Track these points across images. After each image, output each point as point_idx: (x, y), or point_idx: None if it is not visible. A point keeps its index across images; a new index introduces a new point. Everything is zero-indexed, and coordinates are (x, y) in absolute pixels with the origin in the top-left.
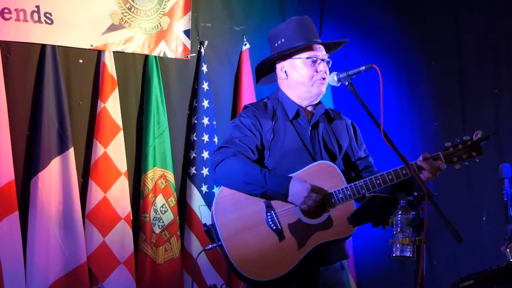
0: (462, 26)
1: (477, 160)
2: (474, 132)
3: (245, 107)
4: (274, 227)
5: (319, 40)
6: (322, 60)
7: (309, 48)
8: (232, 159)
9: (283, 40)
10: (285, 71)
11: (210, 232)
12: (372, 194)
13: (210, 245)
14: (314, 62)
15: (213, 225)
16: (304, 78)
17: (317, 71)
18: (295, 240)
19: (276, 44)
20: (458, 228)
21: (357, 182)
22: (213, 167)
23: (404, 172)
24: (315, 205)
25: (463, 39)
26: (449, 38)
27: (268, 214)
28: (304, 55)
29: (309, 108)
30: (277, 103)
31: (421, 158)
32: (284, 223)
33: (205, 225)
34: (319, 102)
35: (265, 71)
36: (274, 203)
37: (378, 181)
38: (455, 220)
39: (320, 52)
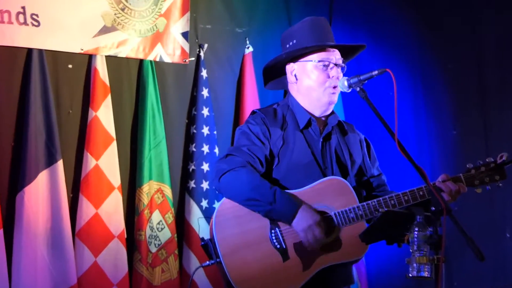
0: (482, 27)
1: (500, 185)
2: (496, 146)
3: (253, 112)
4: (278, 246)
5: (333, 43)
6: (336, 65)
7: (321, 50)
8: (239, 171)
9: (294, 41)
10: (295, 75)
11: (207, 247)
12: (386, 209)
13: (208, 262)
14: (326, 66)
15: (211, 239)
16: (314, 84)
17: (329, 77)
18: (300, 261)
19: (287, 46)
20: (480, 245)
21: (369, 202)
22: (218, 176)
23: (421, 193)
24: (313, 244)
25: (483, 41)
26: (468, 39)
27: (273, 231)
28: (316, 57)
29: (322, 118)
30: (287, 110)
31: (440, 179)
32: (289, 241)
33: (202, 239)
34: (332, 112)
35: (274, 74)
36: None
37: (392, 202)
38: (477, 237)
39: (334, 56)
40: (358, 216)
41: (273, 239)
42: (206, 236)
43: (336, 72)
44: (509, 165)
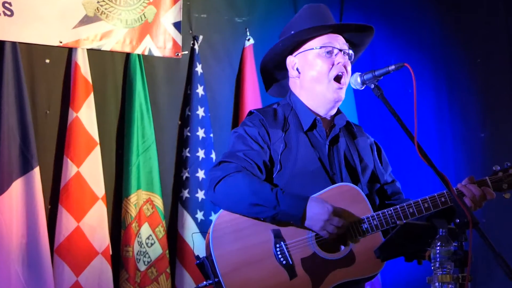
0: None
1: None
2: None
3: (250, 112)
4: (284, 262)
5: (333, 22)
6: (340, 50)
7: (322, 35)
8: (235, 176)
9: (292, 32)
10: (297, 68)
11: (204, 266)
12: (404, 221)
13: (205, 282)
14: (330, 53)
15: (208, 257)
16: (319, 74)
17: (333, 64)
18: (309, 278)
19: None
20: (510, 262)
21: (385, 210)
22: (212, 185)
23: (443, 199)
24: (337, 232)
25: None
26: (499, 32)
27: (277, 245)
28: (317, 43)
29: (328, 118)
30: (289, 111)
31: (463, 182)
32: (296, 257)
33: (197, 257)
34: (339, 111)
35: (275, 75)
36: (284, 232)
37: (411, 210)
38: (508, 253)
39: (337, 41)
40: (372, 227)
41: (278, 255)
42: (202, 254)
43: (342, 58)
44: None
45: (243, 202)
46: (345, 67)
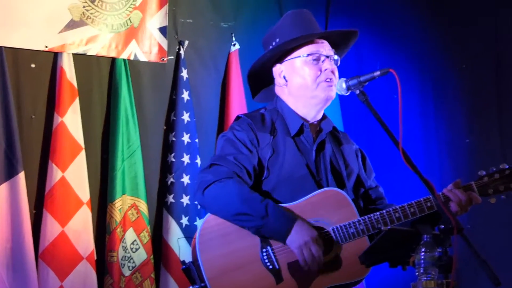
0: (503, 22)
1: None
2: None
3: (238, 117)
4: (270, 266)
5: (320, 31)
6: (327, 57)
7: (309, 43)
8: (226, 182)
9: (277, 40)
10: (284, 76)
11: (190, 271)
12: (389, 227)
13: (191, 287)
14: (316, 60)
15: (194, 262)
16: (306, 81)
17: (321, 71)
18: (295, 283)
19: (270, 47)
20: (495, 269)
21: (371, 215)
22: (201, 188)
23: (429, 204)
24: (310, 261)
25: (504, 38)
26: (486, 36)
27: (264, 250)
28: (304, 51)
29: (315, 123)
30: (276, 115)
31: (449, 187)
32: (282, 261)
33: (183, 262)
34: (325, 117)
35: (261, 81)
36: None
37: (397, 215)
38: (492, 259)
39: (324, 47)
40: (359, 231)
41: (264, 259)
42: (188, 259)
43: (329, 64)
44: None
45: (231, 209)
46: (332, 72)
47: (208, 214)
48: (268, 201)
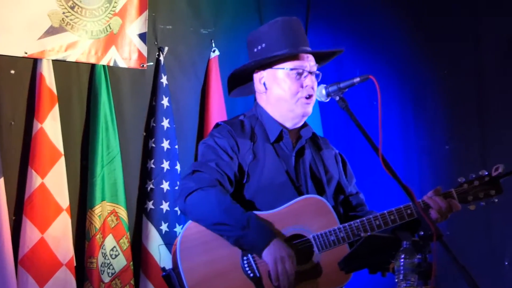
0: (483, 28)
1: (496, 200)
2: (495, 164)
3: (217, 125)
4: (251, 274)
5: (309, 49)
6: (310, 73)
7: (294, 57)
8: (209, 191)
9: (263, 45)
10: (264, 83)
11: (170, 278)
12: (369, 233)
13: None
14: (299, 74)
15: (175, 269)
16: (286, 94)
17: (302, 86)
18: None
19: (255, 50)
20: (474, 275)
21: (352, 223)
22: (183, 195)
23: (409, 212)
24: (283, 276)
25: (485, 45)
26: (467, 43)
27: (245, 258)
28: (288, 65)
29: (294, 131)
30: (255, 122)
31: (429, 194)
32: (263, 269)
33: (163, 269)
34: (305, 124)
35: (239, 81)
36: None
37: (377, 222)
38: (471, 265)
39: (308, 62)
40: (339, 239)
41: (245, 267)
42: (168, 266)
43: (310, 81)
44: (506, 178)
45: (211, 218)
46: (312, 88)
47: (189, 222)
48: (251, 213)
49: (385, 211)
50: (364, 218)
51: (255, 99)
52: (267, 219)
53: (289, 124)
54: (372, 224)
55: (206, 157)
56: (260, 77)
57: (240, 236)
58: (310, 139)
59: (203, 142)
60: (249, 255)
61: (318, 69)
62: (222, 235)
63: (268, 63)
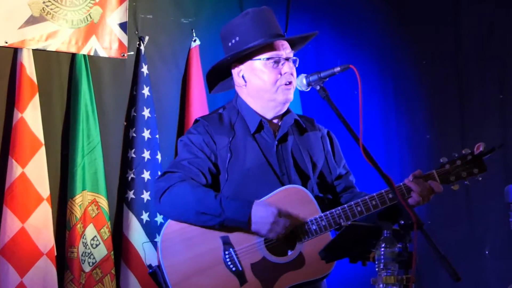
0: (461, 18)
1: (480, 178)
2: (475, 144)
3: (196, 120)
4: (233, 268)
5: (282, 36)
6: (287, 59)
7: (269, 46)
8: (179, 186)
9: (237, 38)
10: (243, 76)
11: (156, 275)
12: (349, 222)
13: None
14: (276, 63)
15: (160, 266)
16: (266, 84)
17: (281, 74)
18: (259, 284)
19: (229, 44)
20: (455, 264)
21: (333, 210)
22: (157, 197)
23: (390, 196)
24: (285, 232)
25: (464, 35)
26: (444, 32)
27: (226, 252)
28: (264, 55)
29: (275, 120)
30: (235, 114)
31: (410, 177)
32: (245, 263)
33: (150, 266)
34: (288, 111)
35: (219, 76)
36: (233, 239)
37: (359, 208)
38: (452, 254)
39: (284, 50)
40: (321, 228)
41: (227, 262)
42: (154, 263)
43: (288, 68)
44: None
45: (189, 212)
46: (291, 74)
47: (169, 220)
48: (220, 196)
49: (367, 197)
50: (346, 205)
51: (235, 91)
52: None
53: (271, 114)
54: (353, 210)
55: (180, 156)
56: (238, 71)
57: (221, 222)
58: (295, 124)
59: (180, 140)
60: (231, 249)
61: (295, 55)
62: (205, 225)
63: (244, 56)
